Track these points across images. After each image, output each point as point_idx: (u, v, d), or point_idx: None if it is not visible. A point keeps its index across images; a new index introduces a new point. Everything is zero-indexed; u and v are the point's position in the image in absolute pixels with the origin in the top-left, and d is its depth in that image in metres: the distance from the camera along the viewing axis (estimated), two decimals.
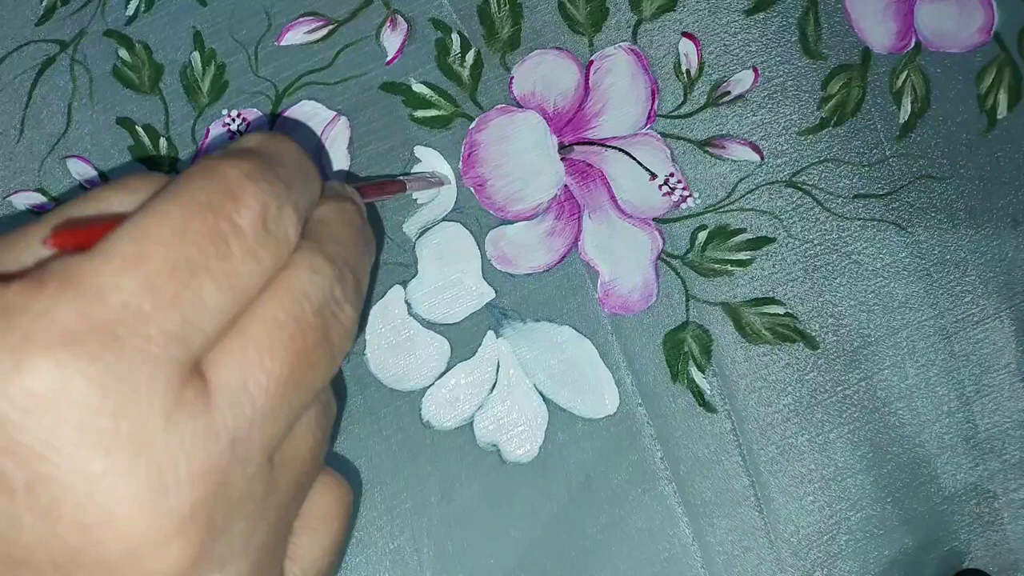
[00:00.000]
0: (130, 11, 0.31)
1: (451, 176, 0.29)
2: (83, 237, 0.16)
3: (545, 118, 0.30)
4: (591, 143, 0.30)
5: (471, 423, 0.29)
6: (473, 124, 0.30)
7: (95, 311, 0.14)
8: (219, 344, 0.16)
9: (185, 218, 0.15)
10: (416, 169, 0.30)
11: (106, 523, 0.14)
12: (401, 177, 0.27)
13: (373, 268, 0.30)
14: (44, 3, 0.32)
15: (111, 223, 0.16)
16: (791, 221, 0.29)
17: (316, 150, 0.30)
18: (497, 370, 0.29)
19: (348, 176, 0.30)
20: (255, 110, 0.31)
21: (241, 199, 0.16)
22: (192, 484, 0.15)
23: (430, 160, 0.30)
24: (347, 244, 0.19)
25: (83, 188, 0.31)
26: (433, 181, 0.29)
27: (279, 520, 0.17)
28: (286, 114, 0.31)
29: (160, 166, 0.31)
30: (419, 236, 0.30)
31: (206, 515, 0.15)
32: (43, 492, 0.14)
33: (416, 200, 0.29)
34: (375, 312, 0.29)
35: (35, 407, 0.14)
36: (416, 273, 0.29)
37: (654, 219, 0.29)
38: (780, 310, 0.29)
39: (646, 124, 0.30)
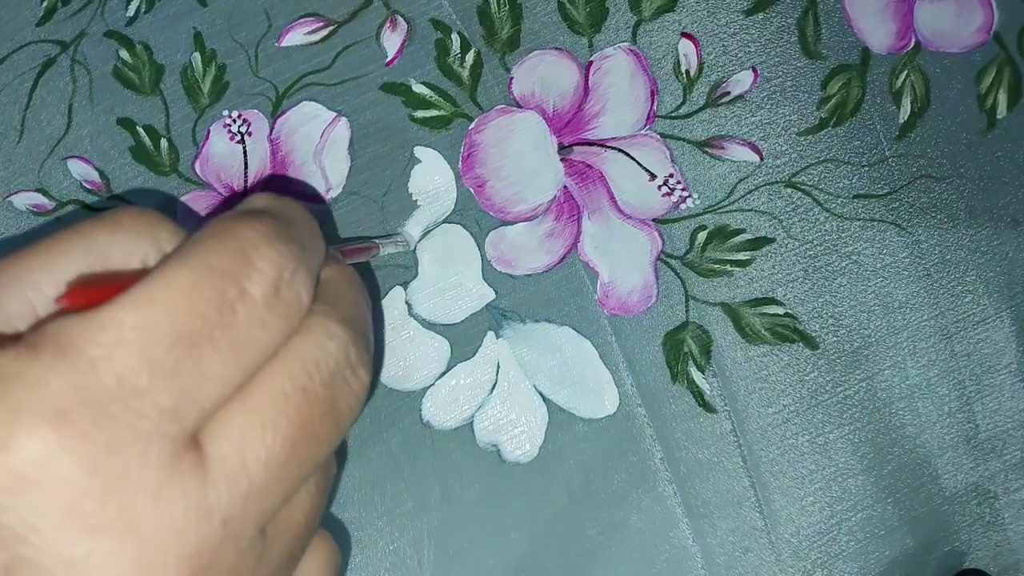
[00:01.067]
0: (131, 12, 0.31)
1: (414, 241, 0.29)
2: (96, 297, 0.15)
3: (544, 119, 0.29)
4: (590, 144, 0.29)
5: (471, 423, 0.28)
6: (473, 124, 0.29)
7: (88, 385, 0.14)
8: (220, 414, 0.15)
9: (194, 286, 0.15)
10: (415, 172, 0.29)
11: None
12: (374, 240, 0.27)
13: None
14: (44, 4, 0.32)
15: (127, 282, 0.15)
16: (791, 221, 0.29)
17: (315, 153, 0.30)
18: (497, 371, 0.28)
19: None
20: (256, 111, 0.30)
21: (255, 263, 0.16)
22: (180, 565, 0.14)
23: (430, 160, 0.30)
24: (356, 304, 0.18)
25: (83, 189, 0.31)
26: (400, 245, 0.28)
27: None
28: (286, 115, 0.30)
29: (160, 167, 0.31)
30: (420, 238, 0.29)
31: None
32: (24, 575, 0.14)
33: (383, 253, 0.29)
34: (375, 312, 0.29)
35: (19, 488, 0.13)
36: (416, 274, 0.29)
37: (654, 220, 0.29)
38: (780, 310, 0.29)
39: (646, 125, 0.29)
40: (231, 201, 0.30)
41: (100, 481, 0.14)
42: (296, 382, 0.16)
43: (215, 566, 0.15)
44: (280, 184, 0.30)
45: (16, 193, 0.31)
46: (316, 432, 0.16)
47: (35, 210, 0.31)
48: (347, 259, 0.24)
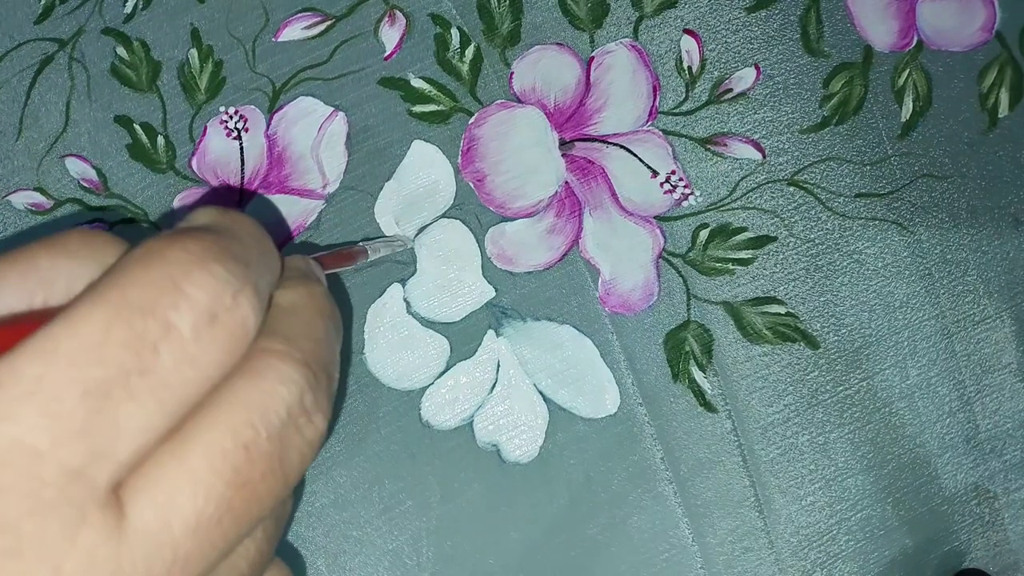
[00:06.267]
0: (128, 8, 0.29)
1: (412, 240, 0.26)
2: (5, 340, 0.13)
3: (545, 114, 0.27)
4: (592, 139, 0.27)
5: (471, 423, 0.27)
6: (472, 119, 0.27)
7: None
8: (148, 466, 0.13)
9: (106, 326, 0.12)
10: (403, 167, 0.27)
11: None
12: (362, 243, 0.23)
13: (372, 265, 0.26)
14: (42, 2, 0.29)
15: (36, 322, 0.13)
16: (793, 220, 0.27)
17: (314, 147, 0.27)
18: (497, 370, 0.26)
19: (306, 247, 0.27)
20: (253, 107, 0.28)
21: (184, 290, 0.13)
22: None
23: (426, 156, 0.27)
24: (320, 339, 0.15)
25: (81, 187, 0.28)
26: (395, 244, 0.25)
27: None
28: (283, 110, 0.27)
29: (157, 164, 0.28)
30: (418, 233, 0.26)
31: None
32: None
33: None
34: (374, 310, 0.26)
35: None
36: (415, 271, 0.26)
37: (655, 217, 0.26)
38: (781, 309, 0.26)
39: (648, 121, 0.27)
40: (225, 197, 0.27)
41: None
42: (238, 437, 0.13)
43: None
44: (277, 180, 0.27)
45: (15, 192, 0.29)
46: (258, 492, 0.13)
47: (33, 209, 0.28)
48: (329, 268, 0.20)
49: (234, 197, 0.27)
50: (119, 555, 0.12)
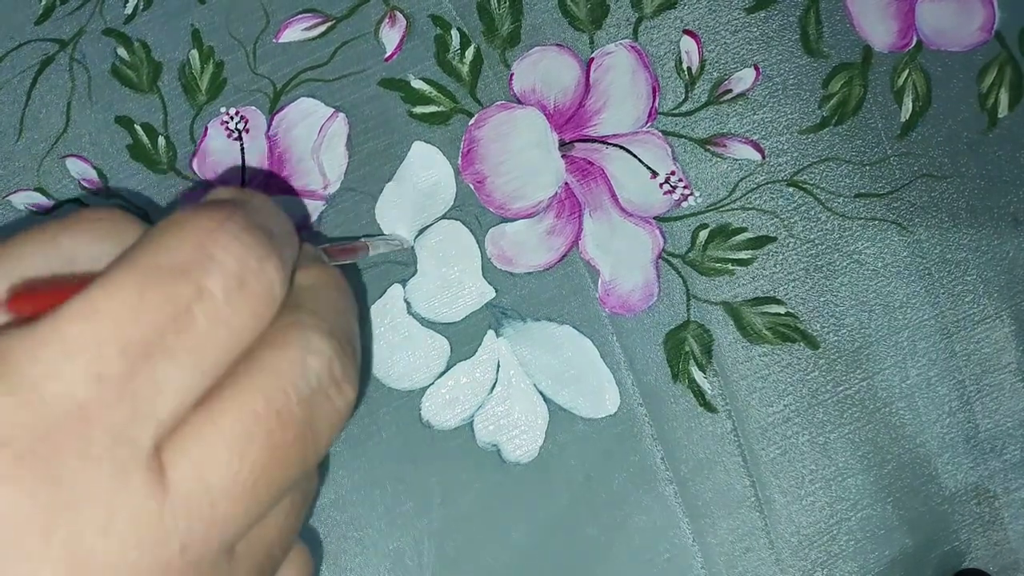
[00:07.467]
0: (128, 9, 0.29)
1: (411, 240, 0.26)
2: (44, 302, 0.13)
3: (545, 115, 0.27)
4: (592, 140, 0.27)
5: (471, 423, 0.27)
6: (472, 120, 0.27)
7: (29, 409, 0.12)
8: (185, 428, 0.13)
9: (142, 288, 0.13)
10: (404, 167, 0.27)
11: None
12: (364, 239, 0.24)
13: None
14: (43, 2, 0.29)
15: (76, 286, 0.13)
16: (792, 220, 0.26)
17: (314, 148, 0.27)
18: (497, 370, 0.26)
19: (312, 241, 0.26)
20: (253, 108, 0.28)
21: (213, 255, 0.13)
22: None
23: (427, 157, 0.27)
24: (342, 312, 0.16)
25: (82, 187, 0.28)
26: (393, 244, 0.25)
27: None
28: (284, 111, 0.27)
29: (158, 165, 0.28)
30: (418, 234, 0.26)
31: None
32: None
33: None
34: (374, 311, 0.27)
35: None
36: (415, 272, 0.26)
37: (655, 218, 0.26)
38: (781, 310, 0.26)
39: (647, 122, 0.27)
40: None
41: (43, 514, 0.12)
42: (270, 401, 0.13)
43: None
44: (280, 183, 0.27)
45: (15, 192, 0.29)
46: (289, 456, 0.14)
47: (34, 209, 0.28)
48: (333, 260, 0.21)
49: None
50: (162, 514, 0.12)
